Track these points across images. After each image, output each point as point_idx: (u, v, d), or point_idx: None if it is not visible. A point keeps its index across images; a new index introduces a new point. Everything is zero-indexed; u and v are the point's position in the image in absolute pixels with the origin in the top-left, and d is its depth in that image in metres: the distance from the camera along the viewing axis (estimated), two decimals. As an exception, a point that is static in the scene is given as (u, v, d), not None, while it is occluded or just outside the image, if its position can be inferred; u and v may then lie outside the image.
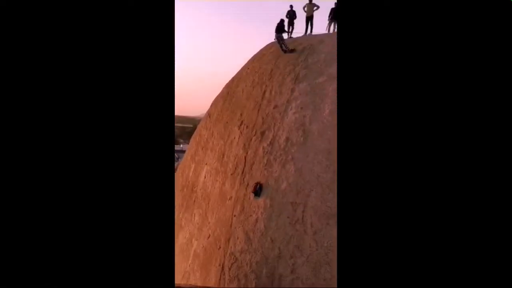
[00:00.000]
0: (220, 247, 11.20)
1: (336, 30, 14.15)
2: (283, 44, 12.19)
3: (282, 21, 12.63)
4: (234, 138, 11.86)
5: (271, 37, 13.10)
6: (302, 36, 13.96)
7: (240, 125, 11.90)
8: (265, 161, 11.08)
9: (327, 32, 14.34)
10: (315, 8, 14.02)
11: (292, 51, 12.00)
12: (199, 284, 10.84)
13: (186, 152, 15.77)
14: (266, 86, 12.11)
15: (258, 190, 10.89)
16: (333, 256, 9.56)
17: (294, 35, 14.04)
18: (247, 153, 11.46)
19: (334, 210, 9.67)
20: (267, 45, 14.15)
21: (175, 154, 69.80)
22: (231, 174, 11.45)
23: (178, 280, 11.80)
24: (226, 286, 10.67)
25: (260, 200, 11.12)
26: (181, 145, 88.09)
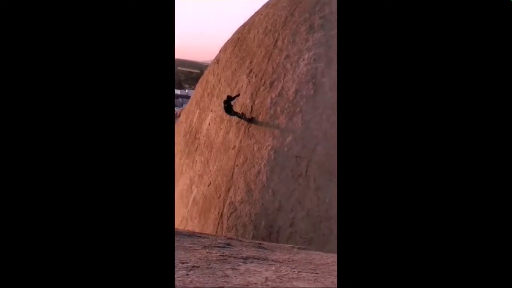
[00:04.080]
0: (220, 196, 11.03)
1: None
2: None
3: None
4: (242, 86, 11.60)
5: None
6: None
7: (249, 73, 11.59)
8: (272, 112, 10.64)
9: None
10: None
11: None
12: (196, 230, 10.65)
13: (191, 97, 15.57)
14: (278, 34, 11.57)
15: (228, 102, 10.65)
16: (334, 213, 9.48)
17: None
18: (254, 102, 11.15)
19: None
20: (283, -9, 13.40)
21: (180, 100, 68.78)
22: (236, 123, 11.29)
23: (175, 225, 11.69)
24: (223, 234, 10.53)
25: (264, 152, 10.79)
26: (186, 90, 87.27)
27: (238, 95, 11.27)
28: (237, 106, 11.47)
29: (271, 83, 10.98)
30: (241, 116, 10.93)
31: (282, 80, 10.80)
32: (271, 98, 10.79)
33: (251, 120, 10.82)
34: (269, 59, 11.31)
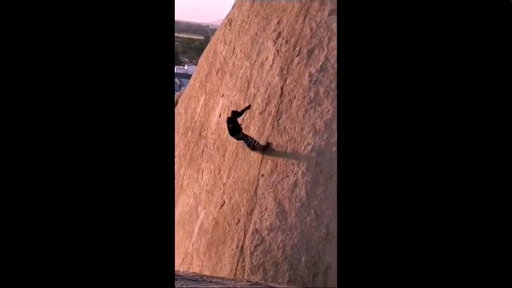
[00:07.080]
0: (239, 221, 9.14)
1: None
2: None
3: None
4: (267, 58, 9.72)
5: None
6: None
7: (277, 38, 9.82)
8: (312, 96, 8.69)
9: None
10: None
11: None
12: (206, 273, 8.90)
13: (193, 76, 13.51)
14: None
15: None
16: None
17: None
18: (285, 82, 9.22)
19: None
20: None
21: (176, 80, 60.63)
22: (260, 113, 9.44)
23: (176, 265, 9.96)
24: (246, 277, 8.76)
25: (302, 154, 8.58)
26: (185, 66, 66.41)
27: (248, 107, 9.30)
28: (260, 88, 9.52)
29: (310, 52, 9.16)
30: (253, 143, 9.06)
31: (326, 48, 8.91)
32: (310, 74, 8.98)
33: (266, 148, 9.04)
34: (305, 17, 9.54)
